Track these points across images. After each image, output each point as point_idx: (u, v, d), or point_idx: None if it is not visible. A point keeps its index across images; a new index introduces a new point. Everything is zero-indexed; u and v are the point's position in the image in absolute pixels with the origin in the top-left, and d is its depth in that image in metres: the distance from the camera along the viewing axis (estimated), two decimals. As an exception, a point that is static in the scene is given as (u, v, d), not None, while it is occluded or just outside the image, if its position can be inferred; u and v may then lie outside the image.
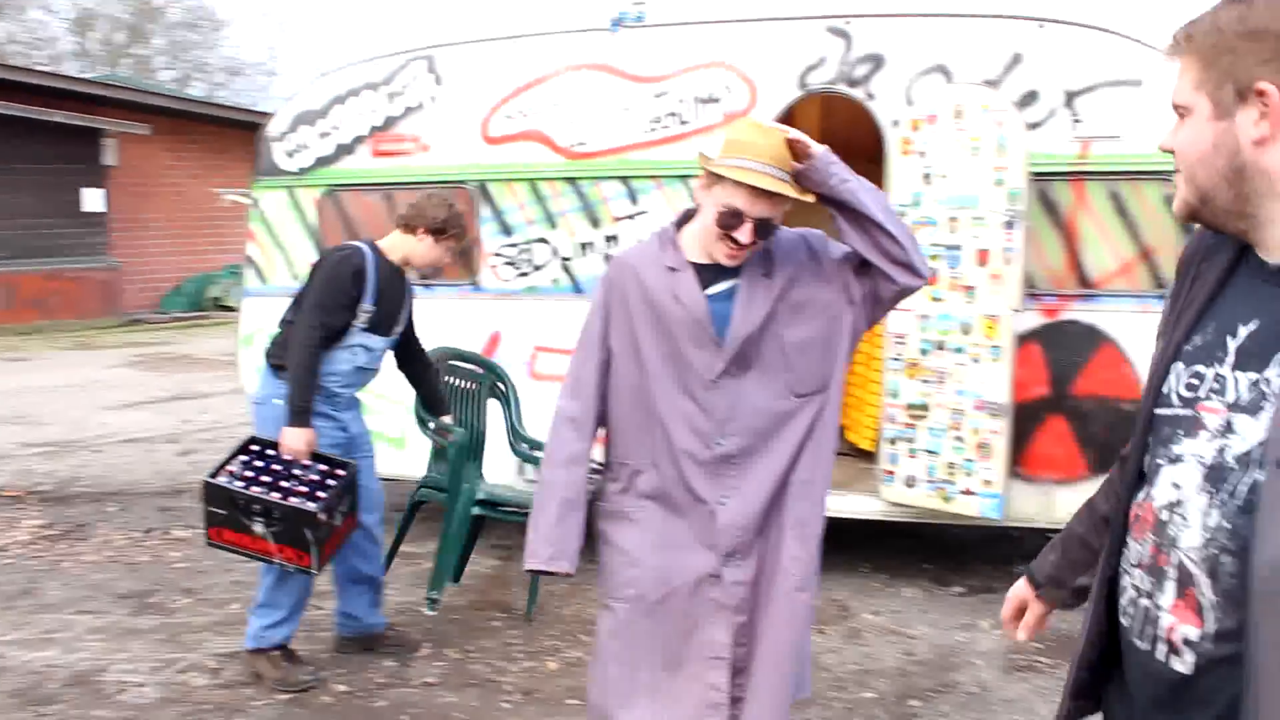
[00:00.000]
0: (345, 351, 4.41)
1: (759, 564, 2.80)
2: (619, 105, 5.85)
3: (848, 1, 5.63)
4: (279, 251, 6.55)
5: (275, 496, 4.25)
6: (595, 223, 5.95)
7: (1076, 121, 5.32)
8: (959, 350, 5.33)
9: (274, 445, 4.35)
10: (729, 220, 2.65)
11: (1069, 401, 5.43)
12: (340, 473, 4.40)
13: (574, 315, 5.73)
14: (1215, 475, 1.46)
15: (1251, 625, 1.37)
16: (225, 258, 19.60)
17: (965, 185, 5.25)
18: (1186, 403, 1.54)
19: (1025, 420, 5.38)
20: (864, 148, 7.61)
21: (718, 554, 2.76)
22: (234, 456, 4.40)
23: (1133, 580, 1.60)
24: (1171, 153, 1.57)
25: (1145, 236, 5.33)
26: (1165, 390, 1.59)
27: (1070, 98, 5.32)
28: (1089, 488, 5.57)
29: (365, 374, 4.61)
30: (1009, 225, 5.17)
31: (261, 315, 6.48)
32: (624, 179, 5.89)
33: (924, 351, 5.44)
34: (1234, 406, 1.46)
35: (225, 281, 19.31)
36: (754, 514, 2.76)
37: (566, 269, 6.01)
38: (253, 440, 4.41)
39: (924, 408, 5.45)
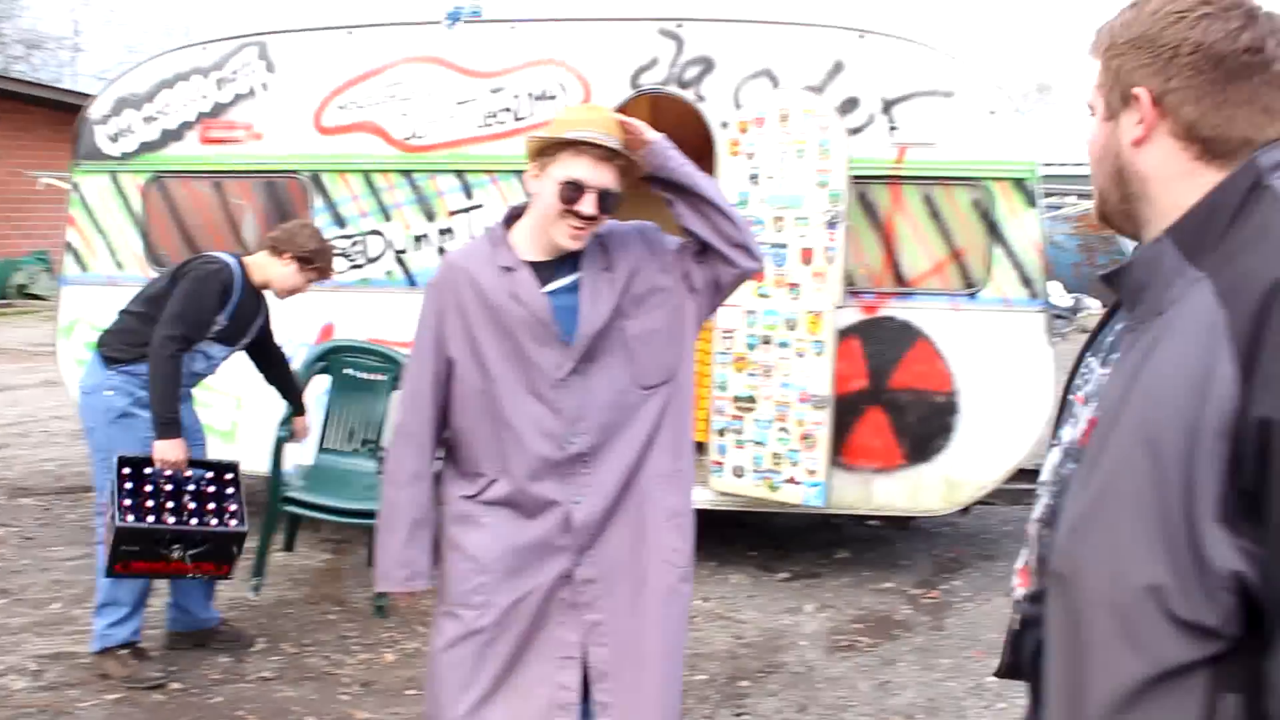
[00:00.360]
0: (185, 356, 4.34)
1: (624, 560, 2.75)
2: (454, 99, 5.87)
3: (680, 5, 5.79)
4: (101, 238, 6.32)
5: (194, 523, 4.30)
6: (430, 216, 5.96)
7: (893, 128, 5.62)
8: (784, 345, 5.57)
9: (144, 461, 4.28)
10: (571, 192, 2.58)
11: (886, 394, 5.73)
12: (229, 476, 4.48)
13: (408, 308, 5.76)
14: (1063, 460, 1.60)
15: (1048, 594, 1.53)
16: (31, 243, 18.59)
17: (790, 186, 5.49)
18: (1074, 390, 1.67)
19: (845, 412, 5.66)
20: (693, 148, 7.80)
21: (571, 554, 2.71)
22: (117, 488, 4.26)
23: None
24: None
25: (956, 238, 5.67)
26: (1073, 379, 1.70)
27: (888, 105, 5.62)
28: (905, 476, 5.93)
29: (199, 378, 4.59)
30: (831, 225, 5.42)
31: (82, 304, 6.26)
32: (459, 173, 5.92)
33: (751, 346, 5.66)
34: (1086, 397, 1.59)
35: (31, 268, 18.31)
36: (608, 510, 2.72)
37: (401, 261, 6.00)
38: (122, 462, 4.28)
39: (751, 400, 5.66)
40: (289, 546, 5.63)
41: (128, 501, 4.22)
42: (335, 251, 5.89)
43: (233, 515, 4.40)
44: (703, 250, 2.75)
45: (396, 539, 2.75)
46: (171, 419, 4.23)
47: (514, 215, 2.79)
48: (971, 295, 5.68)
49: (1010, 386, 5.65)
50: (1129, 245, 18.26)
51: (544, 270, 2.69)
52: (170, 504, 4.31)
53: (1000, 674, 1.83)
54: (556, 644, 2.73)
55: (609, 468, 2.70)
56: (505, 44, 5.85)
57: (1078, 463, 1.52)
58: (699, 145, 6.87)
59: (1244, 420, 1.27)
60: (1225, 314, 1.31)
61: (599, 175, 2.60)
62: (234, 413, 6.11)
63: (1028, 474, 6.13)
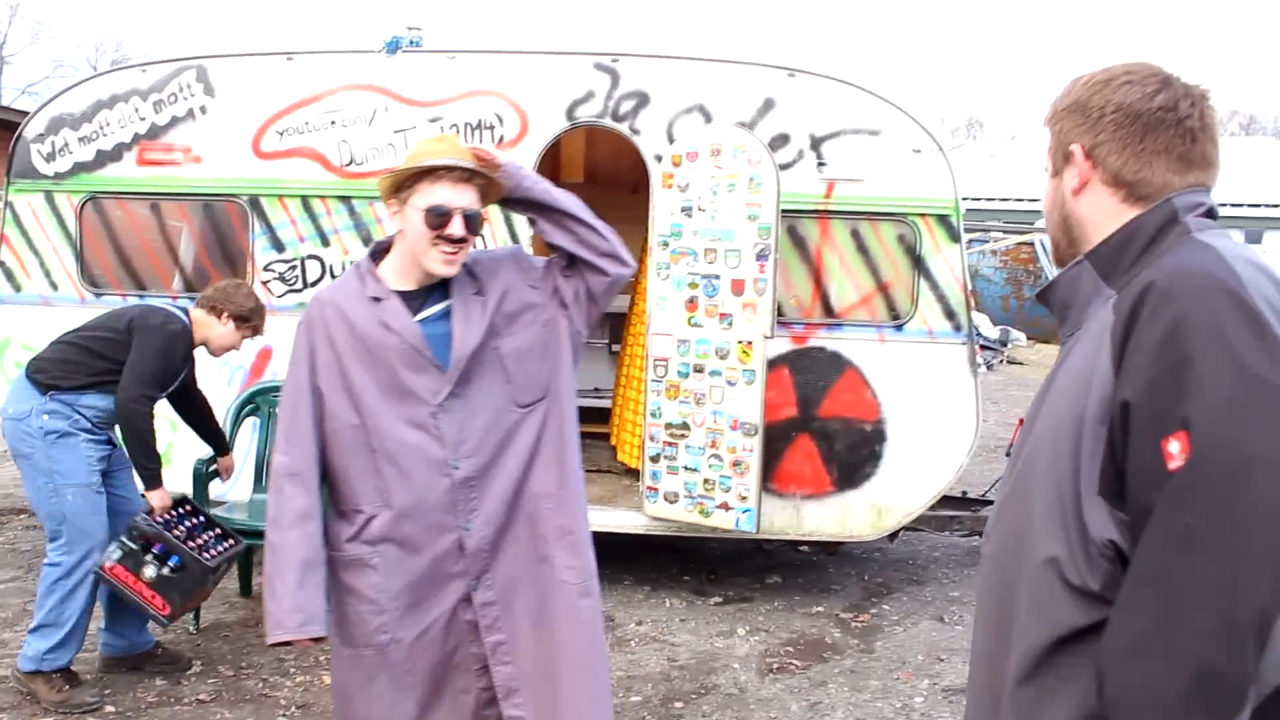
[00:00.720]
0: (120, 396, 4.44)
1: (521, 580, 2.76)
2: (393, 127, 5.94)
3: (616, 41, 5.92)
4: (34, 257, 6.28)
5: (189, 545, 4.61)
6: (369, 241, 6.00)
7: (822, 164, 5.79)
8: (716, 374, 5.69)
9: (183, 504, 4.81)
10: (437, 218, 2.59)
11: (815, 422, 5.88)
12: (231, 542, 4.85)
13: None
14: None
15: (980, 575, 1.79)
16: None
17: (722, 219, 5.62)
18: None
19: (775, 439, 5.79)
20: (627, 180, 7.98)
21: (467, 579, 2.70)
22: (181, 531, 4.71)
23: None
24: None
25: (883, 272, 5.84)
26: None
27: (816, 142, 5.79)
28: (834, 502, 6.06)
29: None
30: (761, 257, 5.56)
31: (12, 324, 6.21)
32: (398, 200, 5.97)
33: (683, 374, 5.77)
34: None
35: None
36: (498, 532, 2.72)
37: (338, 287, 6.04)
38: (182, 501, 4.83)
39: (684, 427, 5.77)
40: (245, 591, 5.66)
41: (159, 518, 4.58)
42: (274, 275, 5.96)
43: (211, 558, 4.69)
44: (571, 263, 2.79)
45: (286, 584, 2.61)
46: (156, 470, 4.51)
47: (381, 250, 2.78)
48: (898, 327, 5.86)
49: (935, 415, 5.82)
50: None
51: (414, 299, 2.70)
52: (179, 532, 4.66)
53: None
54: (470, 657, 2.74)
55: (495, 490, 2.70)
56: (444, 74, 5.94)
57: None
58: (634, 177, 7.03)
59: (1114, 405, 1.49)
60: (1113, 319, 1.53)
61: (460, 197, 2.62)
62: (168, 434, 6.09)
63: (955, 501, 6.32)
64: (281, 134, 6.05)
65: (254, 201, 6.10)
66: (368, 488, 2.67)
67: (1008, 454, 1.87)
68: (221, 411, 5.96)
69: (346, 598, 2.71)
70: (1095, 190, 1.69)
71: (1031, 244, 19.20)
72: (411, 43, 5.95)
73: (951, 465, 5.87)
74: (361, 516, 2.68)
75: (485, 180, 2.67)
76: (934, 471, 5.86)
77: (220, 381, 6.09)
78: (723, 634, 5.67)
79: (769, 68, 5.81)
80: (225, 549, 4.78)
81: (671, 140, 5.81)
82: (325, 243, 6.06)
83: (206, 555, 4.63)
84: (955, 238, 5.79)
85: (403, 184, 2.63)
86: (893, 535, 6.20)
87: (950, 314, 5.82)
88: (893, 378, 5.84)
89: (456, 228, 2.61)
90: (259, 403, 5.75)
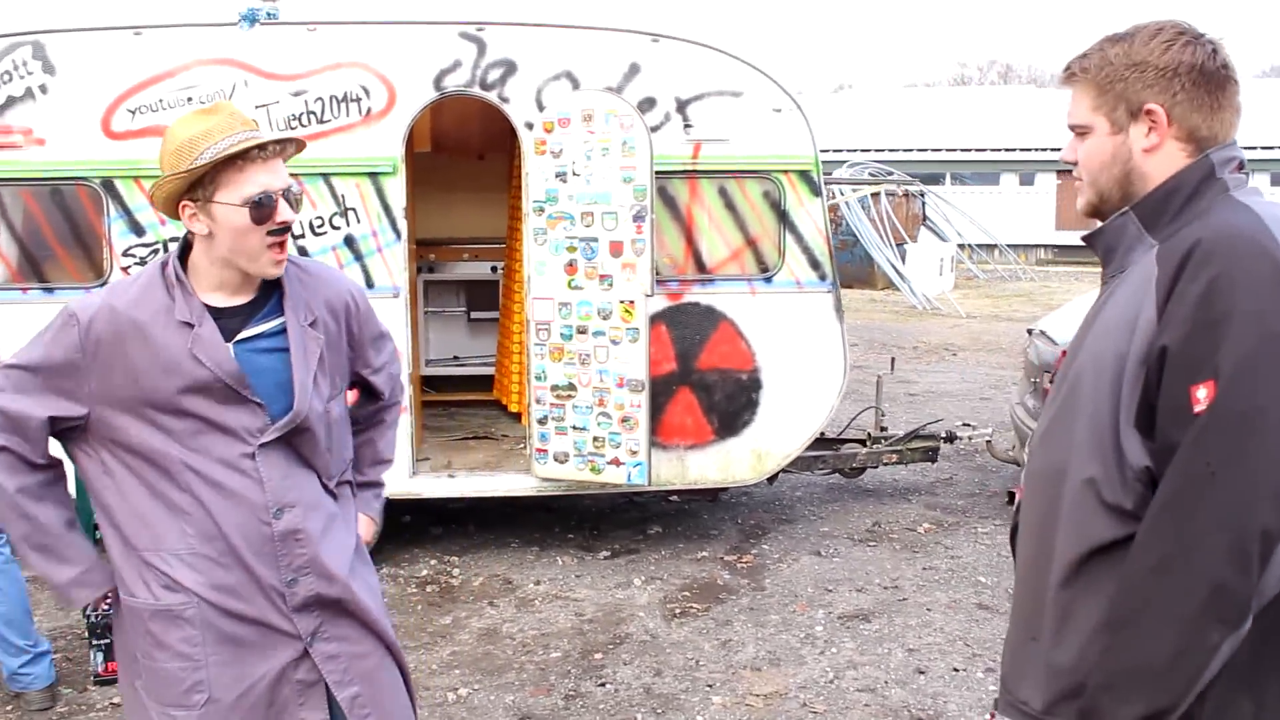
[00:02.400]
0: None
1: (359, 623, 2.46)
2: (254, 102, 5.79)
3: (481, 8, 5.95)
4: None
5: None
6: (235, 221, 5.86)
7: (688, 126, 5.99)
8: (599, 334, 5.85)
9: None
10: (263, 210, 2.24)
11: (695, 375, 6.11)
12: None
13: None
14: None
15: (1025, 492, 1.99)
16: None
17: (597, 183, 5.76)
18: None
19: (657, 394, 5.99)
20: (474, 147, 8.00)
21: (301, 637, 2.37)
22: None
23: None
24: (1074, 164, 1.94)
25: (751, 227, 6.11)
26: None
27: (682, 105, 5.98)
28: (716, 450, 6.33)
29: None
30: (638, 219, 5.73)
31: None
32: (264, 176, 5.84)
33: (566, 336, 5.90)
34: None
35: None
36: (333, 591, 2.39)
37: (206, 268, 5.87)
38: None
39: (571, 388, 5.91)
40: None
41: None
42: (135, 260, 5.75)
43: None
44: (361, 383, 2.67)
45: (73, 543, 2.34)
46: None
47: (184, 251, 2.36)
48: (767, 279, 6.14)
49: (806, 361, 6.15)
50: (860, 230, 19.18)
51: (230, 318, 2.33)
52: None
53: None
54: None
55: (328, 542, 2.40)
56: (305, 46, 5.83)
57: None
58: (481, 144, 7.10)
59: (1153, 349, 1.70)
60: (1157, 270, 1.74)
61: (277, 175, 2.27)
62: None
63: (816, 442, 6.68)
64: (133, 113, 5.80)
65: (108, 184, 5.84)
66: (172, 533, 2.29)
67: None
68: None
69: (155, 652, 2.31)
70: (1168, 147, 1.82)
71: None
72: (268, 15, 5.80)
73: (823, 407, 6.22)
74: (166, 563, 2.30)
75: (292, 142, 2.33)
76: (808, 414, 6.20)
77: None
78: (620, 585, 5.86)
79: (633, 33, 5.95)
80: None
81: (541, 107, 5.89)
82: (188, 224, 5.87)
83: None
84: (816, 192, 6.10)
85: (198, 183, 2.23)
86: (771, 478, 6.51)
87: (815, 264, 6.14)
88: (765, 328, 6.13)
89: (284, 212, 2.27)
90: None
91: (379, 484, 2.72)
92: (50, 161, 5.83)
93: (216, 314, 2.30)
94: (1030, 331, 7.53)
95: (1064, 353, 1.93)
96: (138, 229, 5.87)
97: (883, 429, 7.49)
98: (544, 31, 5.94)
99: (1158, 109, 1.81)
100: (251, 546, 2.31)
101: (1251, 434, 1.62)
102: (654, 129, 5.88)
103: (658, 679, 4.76)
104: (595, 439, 5.91)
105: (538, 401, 6.00)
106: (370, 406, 2.72)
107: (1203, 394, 1.64)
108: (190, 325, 2.26)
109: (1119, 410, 1.75)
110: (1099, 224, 1.93)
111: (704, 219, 6.09)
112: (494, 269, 8.02)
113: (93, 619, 4.59)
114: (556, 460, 6.01)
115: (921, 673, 4.82)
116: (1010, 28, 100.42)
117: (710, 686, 4.69)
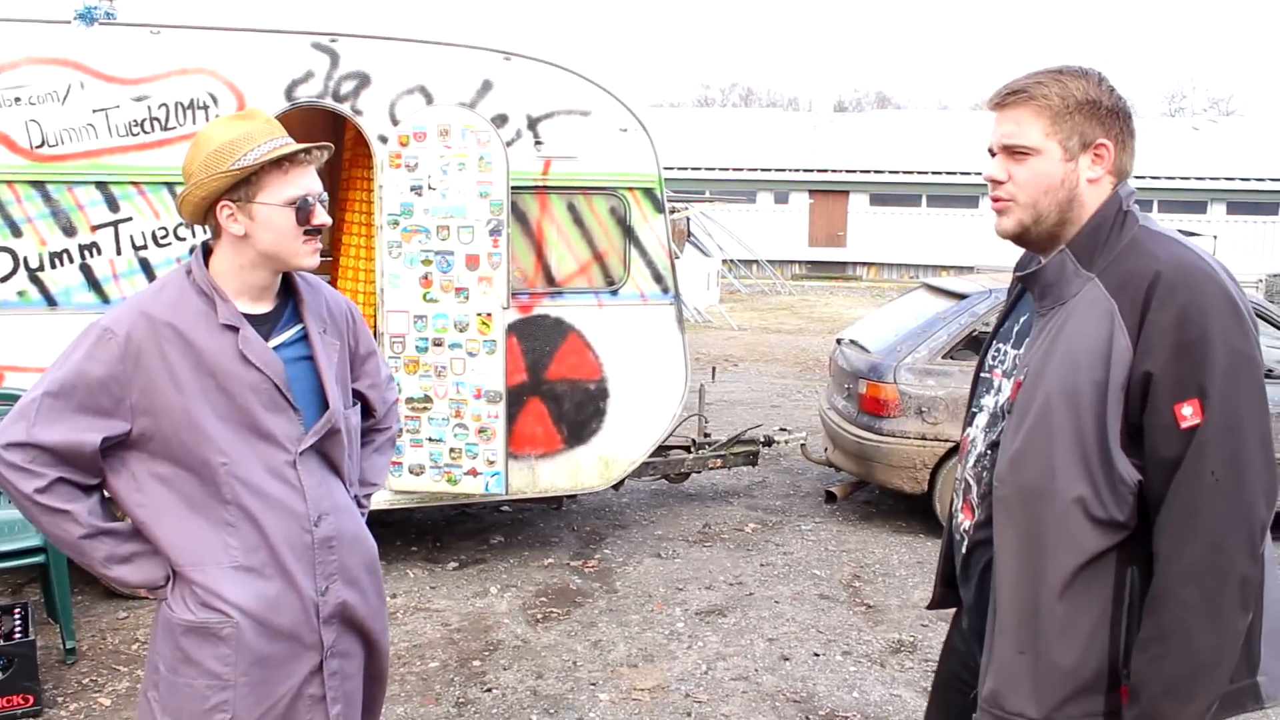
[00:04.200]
0: None
1: (361, 640, 2.55)
2: (92, 106, 5.55)
3: (334, 20, 5.91)
4: None
5: None
6: (69, 231, 5.58)
7: (539, 143, 6.15)
8: (456, 346, 5.91)
9: None
10: (304, 213, 2.32)
11: (545, 385, 6.26)
12: (19, 603, 4.64)
13: (47, 330, 5.41)
14: (992, 419, 2.20)
15: (994, 516, 2.12)
16: None
17: (454, 198, 5.83)
18: (988, 369, 2.27)
19: (509, 405, 6.10)
20: (357, 160, 7.89)
21: (321, 650, 2.41)
22: None
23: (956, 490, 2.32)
24: (996, 182, 2.06)
25: (598, 242, 6.32)
26: (985, 360, 2.30)
27: (533, 122, 6.14)
28: (566, 459, 6.51)
29: None
30: (494, 233, 5.84)
31: None
32: (100, 184, 5.60)
33: (421, 349, 5.94)
34: (1004, 372, 2.20)
35: None
36: (355, 601, 2.47)
37: (36, 280, 5.57)
38: None
39: (426, 400, 5.95)
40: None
41: None
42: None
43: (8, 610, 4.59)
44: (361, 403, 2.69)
45: (140, 558, 2.34)
46: None
47: (208, 254, 2.39)
48: (613, 292, 6.37)
49: (651, 371, 6.41)
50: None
51: (263, 324, 2.39)
52: None
53: (933, 606, 2.44)
54: None
55: (357, 553, 2.50)
56: (148, 49, 5.62)
57: (1006, 418, 2.11)
58: (353, 157, 7.03)
59: (1134, 375, 1.93)
60: (1116, 303, 1.96)
61: (313, 179, 2.36)
62: None
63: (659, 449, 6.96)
64: (-48, 112, 5.44)
65: (-79, 188, 5.45)
66: (215, 545, 2.30)
67: (974, 407, 2.15)
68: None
69: (184, 668, 2.31)
70: (1105, 181, 2.05)
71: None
72: (106, 14, 5.57)
73: (666, 415, 6.50)
74: (209, 576, 2.30)
75: (322, 150, 2.40)
76: (652, 422, 6.46)
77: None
78: (477, 594, 5.94)
79: (486, 50, 6.06)
80: (21, 611, 4.58)
81: (395, 121, 5.91)
82: (16, 232, 5.55)
83: (19, 632, 4.43)
84: (660, 208, 6.38)
85: (242, 181, 2.28)
86: (618, 484, 6.73)
87: (659, 278, 6.41)
88: (611, 339, 6.35)
89: (321, 216, 2.36)
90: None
91: (363, 506, 2.68)
92: None
93: (249, 320, 2.36)
94: (840, 340, 8.08)
95: (1018, 383, 2.08)
96: (-42, 237, 5.50)
97: (706, 435, 7.84)
98: (398, 45, 5.96)
99: (1108, 144, 2.03)
100: (295, 554, 2.35)
101: (1240, 442, 1.87)
102: (506, 145, 6.01)
103: (540, 681, 4.89)
104: (452, 450, 5.97)
105: (391, 414, 5.99)
106: (363, 424, 2.71)
107: (1188, 410, 1.86)
108: (235, 329, 2.30)
109: (1105, 434, 1.92)
110: (1031, 262, 2.12)
111: (553, 233, 6.26)
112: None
113: None
114: (412, 473, 6.02)
115: (786, 659, 5.15)
116: (752, 52, 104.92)
117: (594, 685, 4.86)
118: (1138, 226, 2.04)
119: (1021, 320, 2.22)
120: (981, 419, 2.24)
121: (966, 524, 2.22)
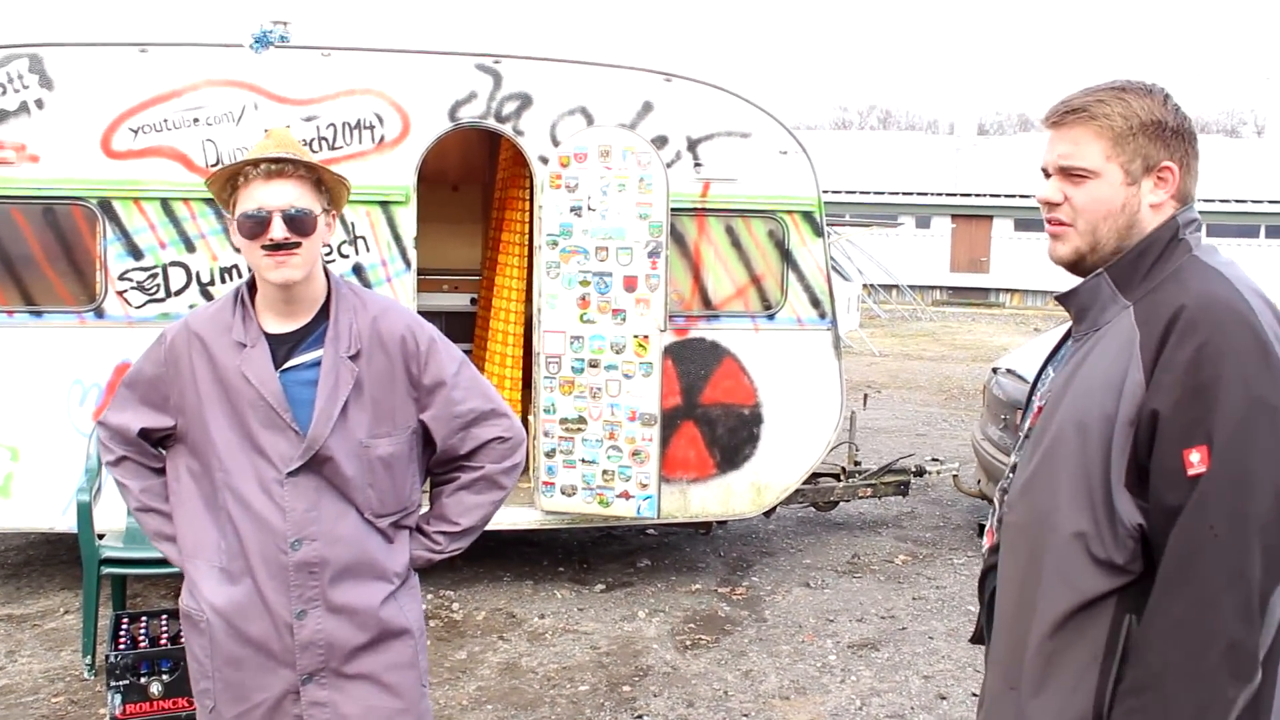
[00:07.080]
0: None
1: (360, 687, 2.46)
2: (264, 126, 5.69)
3: (496, 42, 5.96)
4: None
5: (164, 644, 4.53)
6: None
7: (698, 165, 6.10)
8: (611, 368, 5.88)
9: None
10: (253, 225, 2.29)
11: (699, 409, 6.19)
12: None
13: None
14: (1022, 444, 2.05)
15: (1002, 542, 2.02)
16: None
17: (613, 219, 5.81)
18: (1034, 393, 2.13)
19: (662, 428, 6.04)
20: (451, 178, 7.99)
21: (296, 672, 2.40)
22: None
23: None
24: (1052, 204, 1.92)
25: (755, 265, 6.23)
26: (1035, 383, 2.16)
27: (693, 144, 6.09)
28: (718, 484, 6.41)
29: None
30: (653, 254, 5.80)
31: None
32: (271, 201, 5.74)
33: (577, 370, 5.92)
34: (1043, 395, 2.03)
35: None
36: (342, 635, 2.42)
37: (208, 295, 5.73)
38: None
39: (580, 421, 5.92)
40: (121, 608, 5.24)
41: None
42: (131, 285, 5.59)
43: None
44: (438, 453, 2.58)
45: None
46: None
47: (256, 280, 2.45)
48: (770, 316, 6.26)
49: (805, 397, 6.28)
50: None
51: (283, 344, 2.41)
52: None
53: (975, 640, 2.29)
54: None
55: (346, 588, 2.42)
56: (318, 71, 5.76)
57: (1025, 442, 2.00)
58: (457, 176, 7.10)
59: (1143, 413, 1.78)
60: (1139, 334, 1.82)
61: (276, 194, 2.29)
62: (8, 464, 5.59)
63: (814, 476, 6.82)
64: (136, 132, 5.65)
65: (105, 204, 5.66)
66: (207, 542, 2.42)
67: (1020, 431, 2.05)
68: (75, 434, 5.60)
69: (189, 647, 2.50)
70: (1169, 205, 1.90)
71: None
72: (280, 38, 5.72)
73: (821, 442, 6.35)
74: (198, 570, 2.43)
75: (312, 170, 2.36)
76: (806, 449, 6.33)
77: (72, 401, 5.64)
78: (625, 618, 5.88)
79: (647, 72, 6.04)
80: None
81: (556, 142, 5.93)
82: (190, 248, 5.73)
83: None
84: (819, 232, 6.26)
85: (223, 202, 2.39)
86: (768, 511, 6.61)
87: (816, 303, 6.29)
88: (767, 364, 6.24)
89: (277, 230, 2.28)
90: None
91: (436, 542, 2.57)
92: (44, 179, 5.63)
93: (272, 340, 2.41)
94: (995, 370, 7.81)
95: (1039, 408, 1.96)
96: (136, 252, 5.70)
97: (856, 463, 7.66)
98: (560, 66, 5.98)
99: (1174, 167, 1.88)
100: (269, 570, 2.39)
101: (1248, 496, 1.70)
102: (667, 166, 5.96)
103: (692, 709, 4.79)
104: (605, 472, 5.93)
105: (545, 434, 5.99)
106: (442, 460, 2.59)
107: (1196, 457, 1.72)
108: (244, 345, 2.39)
109: (1109, 470, 1.80)
110: (1076, 281, 1.98)
111: (711, 256, 6.19)
112: (472, 301, 7.97)
113: (113, 659, 4.42)
114: (564, 493, 6.00)
115: (943, 698, 4.95)
116: (890, 74, 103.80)
117: (746, 716, 4.74)
118: (1188, 255, 1.89)
119: (1069, 344, 2.09)
120: (1022, 442, 2.11)
121: (985, 548, 2.14)
